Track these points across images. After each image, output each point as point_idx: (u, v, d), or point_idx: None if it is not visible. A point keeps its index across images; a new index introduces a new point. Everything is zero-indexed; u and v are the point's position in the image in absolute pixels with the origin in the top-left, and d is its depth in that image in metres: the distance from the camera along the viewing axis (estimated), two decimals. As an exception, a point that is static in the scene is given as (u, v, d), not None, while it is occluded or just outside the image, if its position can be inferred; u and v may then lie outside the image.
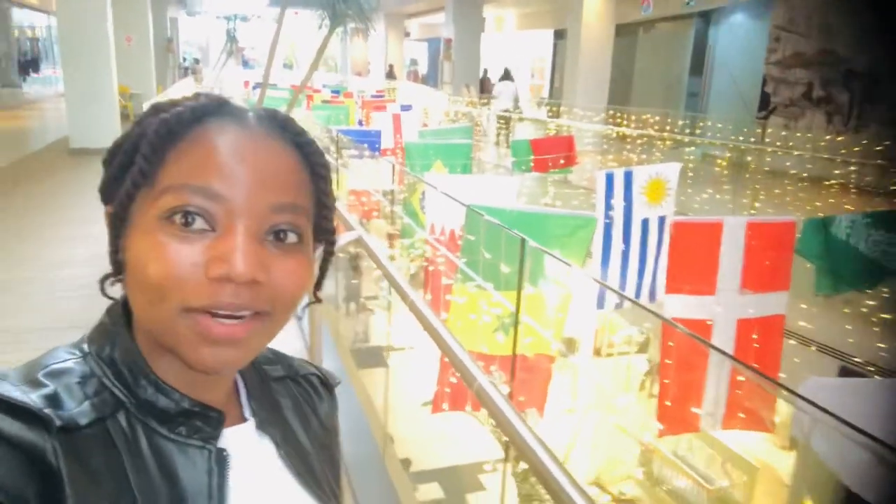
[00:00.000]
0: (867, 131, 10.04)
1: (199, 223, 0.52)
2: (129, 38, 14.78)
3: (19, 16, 23.67)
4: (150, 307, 0.53)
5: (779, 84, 11.89)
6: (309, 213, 0.59)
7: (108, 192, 0.58)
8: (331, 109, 11.64)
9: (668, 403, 3.59)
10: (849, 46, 10.52)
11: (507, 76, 15.54)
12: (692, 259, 3.97)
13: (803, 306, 4.08)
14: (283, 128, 0.58)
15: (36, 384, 0.52)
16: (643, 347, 8.04)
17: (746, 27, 13.39)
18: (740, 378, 3.81)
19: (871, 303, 4.06)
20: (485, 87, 18.24)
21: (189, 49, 32.13)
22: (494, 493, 5.14)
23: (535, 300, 3.33)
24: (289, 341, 3.58)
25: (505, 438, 4.28)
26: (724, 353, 3.46)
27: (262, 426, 0.64)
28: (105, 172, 0.59)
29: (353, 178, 6.07)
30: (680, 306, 3.88)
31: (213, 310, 0.52)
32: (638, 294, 4.14)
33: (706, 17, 14.43)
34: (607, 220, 4.63)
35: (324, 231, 0.62)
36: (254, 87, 16.58)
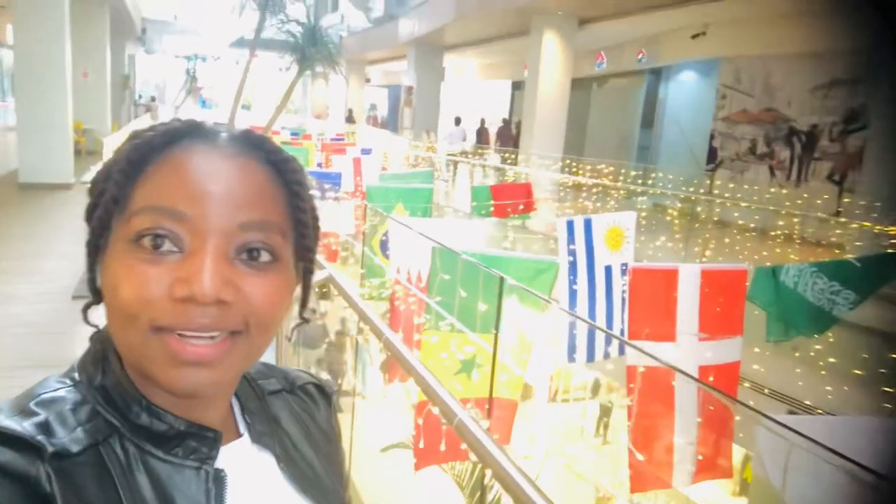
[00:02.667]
0: (807, 185, 10.59)
1: (167, 245, 0.52)
2: (85, 74, 14.58)
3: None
4: (122, 330, 0.53)
5: (726, 139, 12.47)
6: (285, 231, 0.58)
7: (89, 219, 0.58)
8: (290, 151, 11.67)
9: (638, 457, 3.61)
10: (790, 105, 11.16)
11: (457, 122, 17.78)
12: (652, 305, 4.06)
13: (756, 350, 4.21)
14: (256, 146, 0.58)
15: (27, 413, 0.51)
16: (595, 392, 8.13)
17: (695, 84, 14.04)
18: (705, 426, 3.87)
19: (818, 347, 4.22)
20: (483, 137, 17.76)
21: (146, 87, 31.87)
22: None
23: (506, 343, 3.36)
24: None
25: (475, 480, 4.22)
26: (708, 386, 3.51)
27: (259, 440, 0.63)
28: (89, 202, 0.59)
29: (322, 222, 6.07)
30: (642, 355, 3.94)
31: (182, 331, 0.52)
32: (607, 342, 4.17)
33: (657, 74, 15.09)
34: (570, 266, 4.71)
35: (304, 249, 0.61)
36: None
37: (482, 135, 17.93)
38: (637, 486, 3.88)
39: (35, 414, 0.51)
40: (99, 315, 0.59)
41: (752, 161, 11.95)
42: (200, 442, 0.57)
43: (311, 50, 5.70)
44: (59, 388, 0.55)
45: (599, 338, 4.25)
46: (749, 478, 6.33)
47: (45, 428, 0.51)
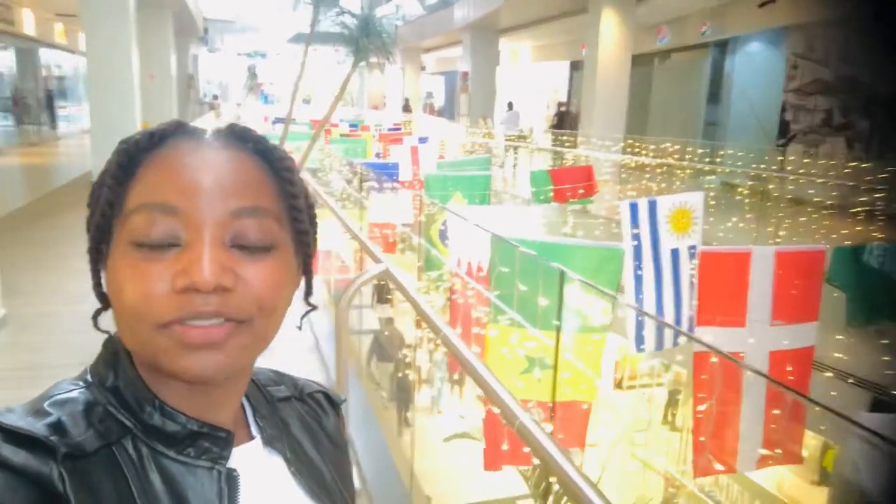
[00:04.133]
0: (890, 157, 9.93)
1: (165, 241, 0.53)
2: (151, 75, 15.10)
3: (46, 55, 24.34)
4: (130, 331, 0.54)
5: (798, 111, 11.85)
6: (280, 217, 0.58)
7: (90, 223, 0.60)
8: (349, 143, 11.76)
9: (703, 440, 3.47)
10: (869, 73, 10.48)
11: (510, 107, 17.59)
12: (721, 290, 3.89)
13: (839, 337, 3.98)
14: (241, 138, 0.59)
15: (41, 414, 0.52)
16: (662, 378, 7.91)
17: (764, 55, 13.39)
18: (774, 412, 3.71)
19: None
20: (563, 121, 16.25)
21: (209, 85, 32.80)
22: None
23: (574, 340, 3.26)
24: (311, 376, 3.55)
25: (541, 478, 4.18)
26: (776, 382, 3.34)
27: (270, 443, 0.64)
28: (89, 211, 0.60)
29: (374, 211, 6.09)
30: (711, 339, 3.79)
31: (185, 321, 0.52)
32: (677, 331, 4.03)
33: (723, 47, 14.47)
34: (634, 251, 4.56)
35: (300, 233, 0.62)
36: (273, 122, 16.84)
37: (565, 118, 16.51)
38: (700, 471, 3.75)
39: (48, 414, 0.52)
40: (108, 321, 0.59)
41: (827, 133, 11.31)
42: (213, 442, 0.57)
43: (364, 40, 5.69)
44: (72, 390, 0.56)
45: (670, 320, 4.11)
46: (829, 466, 6.05)
47: (58, 428, 0.51)
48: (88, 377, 0.58)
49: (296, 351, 3.74)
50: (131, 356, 0.58)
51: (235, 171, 0.56)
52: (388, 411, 5.96)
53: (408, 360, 6.46)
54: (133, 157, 0.56)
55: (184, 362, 0.53)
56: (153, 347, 0.53)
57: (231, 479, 0.57)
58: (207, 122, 15.15)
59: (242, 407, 0.66)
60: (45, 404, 0.53)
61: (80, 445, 0.51)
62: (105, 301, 0.58)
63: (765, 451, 3.74)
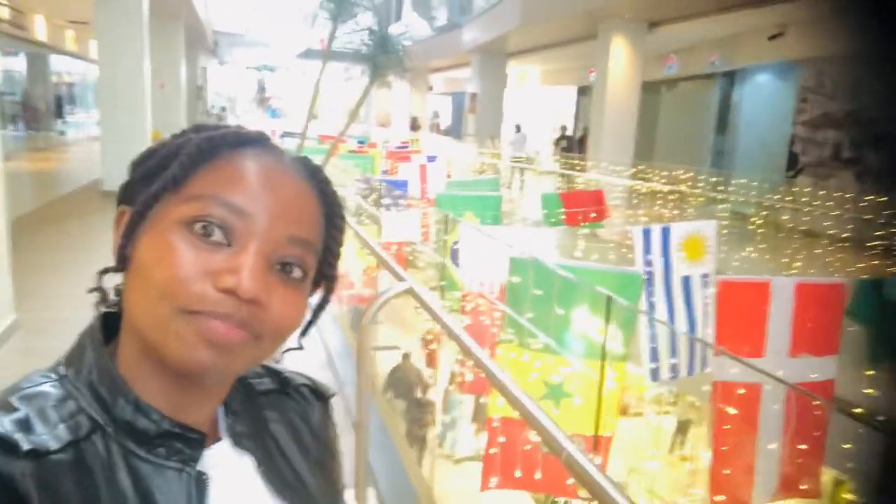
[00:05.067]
0: (900, 192, 9.92)
1: (217, 235, 0.54)
2: (162, 85, 15.17)
3: (56, 62, 24.48)
4: (147, 305, 0.53)
5: (807, 144, 11.88)
6: (318, 255, 0.60)
7: (129, 193, 0.60)
8: (357, 159, 11.77)
9: (724, 472, 3.41)
10: (878, 108, 10.53)
11: (517, 129, 18.04)
12: (740, 320, 3.84)
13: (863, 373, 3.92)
14: (311, 173, 0.61)
15: (7, 408, 0.51)
16: (669, 405, 7.81)
17: (772, 87, 13.46)
18: (794, 444, 3.64)
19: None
20: (570, 146, 16.29)
21: (217, 97, 32.98)
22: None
23: (590, 369, 3.19)
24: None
25: None
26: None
27: (239, 443, 0.63)
28: (131, 174, 0.60)
29: (388, 229, 6.06)
30: (728, 370, 3.73)
31: (215, 318, 0.52)
32: (691, 356, 3.98)
33: (731, 77, 14.55)
34: (647, 277, 4.52)
35: (326, 277, 0.64)
36: (282, 136, 16.88)
37: (581, 143, 16.17)
38: (718, 502, 3.67)
39: (15, 410, 0.51)
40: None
41: (836, 167, 11.32)
42: (185, 443, 0.57)
43: (382, 58, 5.71)
44: (42, 383, 0.55)
45: (683, 352, 4.04)
46: (842, 502, 5.94)
47: (24, 424, 0.50)
48: (61, 369, 0.57)
49: (308, 367, 3.69)
50: (108, 348, 0.58)
51: (302, 200, 0.58)
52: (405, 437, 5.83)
53: (423, 401, 6.24)
54: (215, 146, 0.57)
55: (197, 354, 0.52)
56: (167, 330, 0.52)
57: (200, 482, 0.56)
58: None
59: None
60: (13, 398, 0.52)
61: (46, 443, 0.50)
62: (123, 264, 0.58)
63: (780, 485, 3.68)
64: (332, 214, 0.62)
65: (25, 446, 0.48)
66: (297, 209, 0.57)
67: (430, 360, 7.31)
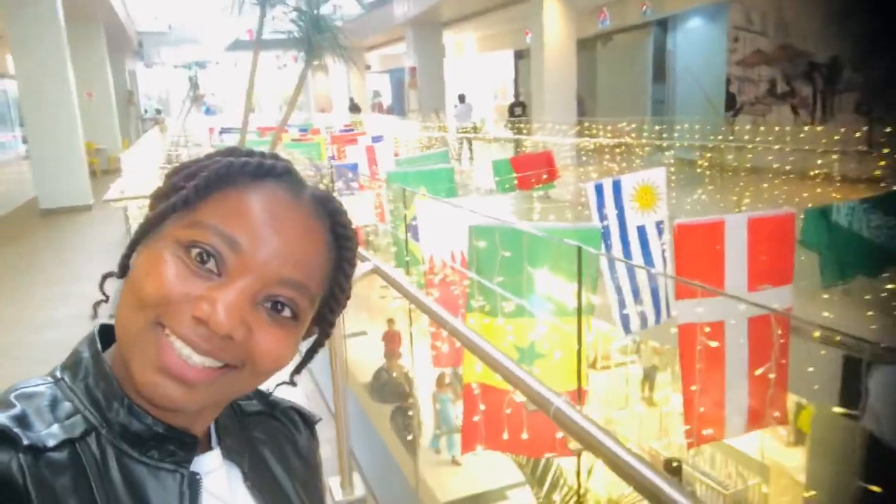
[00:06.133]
0: (834, 121, 10.24)
1: (210, 264, 0.54)
2: (90, 94, 14.58)
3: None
4: (127, 313, 0.54)
5: (743, 83, 12.13)
6: (315, 299, 0.59)
7: (154, 202, 0.60)
8: (302, 147, 11.56)
9: (694, 411, 3.50)
10: (807, 40, 10.80)
11: (461, 100, 17.42)
12: (698, 261, 3.93)
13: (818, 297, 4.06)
14: (330, 214, 0.60)
15: (5, 405, 0.52)
16: (635, 355, 8.00)
17: (705, 30, 13.67)
18: (757, 375, 3.77)
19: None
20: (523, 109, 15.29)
21: (149, 100, 31.90)
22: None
23: (556, 326, 3.22)
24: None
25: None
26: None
27: (229, 456, 0.63)
28: (166, 183, 0.61)
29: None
30: (692, 311, 3.82)
31: (184, 343, 0.52)
32: (657, 305, 4.05)
33: (663, 25, 14.71)
34: (603, 232, 4.58)
35: (324, 321, 0.63)
36: (220, 133, 16.45)
37: (523, 107, 15.66)
38: (692, 443, 3.79)
39: (12, 406, 0.52)
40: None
41: (773, 102, 11.60)
42: (178, 446, 0.57)
43: (317, 37, 5.58)
44: (39, 384, 0.56)
45: (648, 303, 4.12)
46: (805, 427, 6.20)
47: (21, 421, 0.51)
48: (57, 373, 0.58)
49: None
50: (104, 358, 0.58)
51: (307, 243, 0.57)
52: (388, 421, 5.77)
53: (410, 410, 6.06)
54: (233, 175, 0.57)
55: (151, 380, 0.53)
56: (138, 339, 0.53)
57: (193, 482, 0.57)
58: (153, 139, 14.71)
59: None
60: (11, 395, 0.53)
61: (43, 440, 0.50)
62: (123, 271, 0.59)
63: (749, 417, 3.81)
64: (342, 259, 0.61)
65: (24, 441, 0.49)
66: (299, 251, 0.56)
67: (391, 342, 7.27)
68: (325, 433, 2.65)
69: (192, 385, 0.53)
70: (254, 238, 0.54)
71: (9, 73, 17.72)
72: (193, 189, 0.56)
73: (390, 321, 7.30)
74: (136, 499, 0.53)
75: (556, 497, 4.04)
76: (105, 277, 0.61)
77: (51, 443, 0.51)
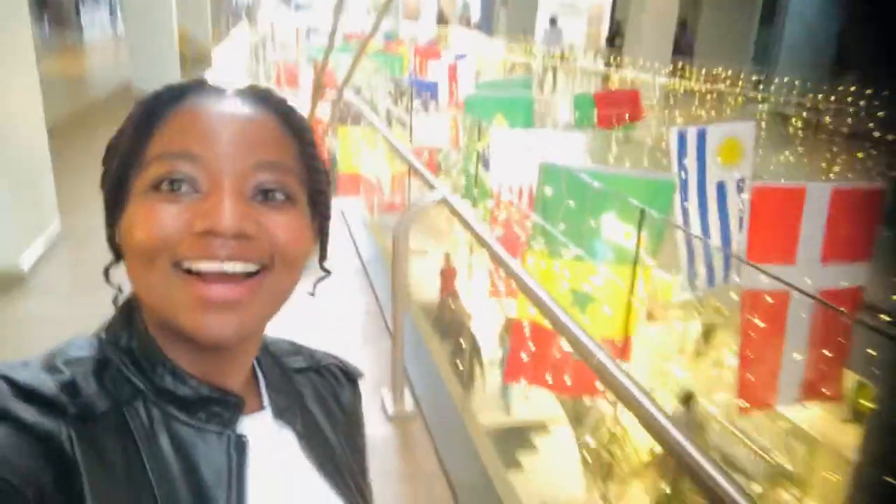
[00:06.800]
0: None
1: (184, 188, 0.53)
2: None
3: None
4: (144, 273, 0.54)
5: (857, 38, 11.20)
6: (298, 176, 0.58)
7: (105, 181, 0.60)
8: (385, 58, 11.45)
9: (749, 377, 3.51)
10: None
11: (552, 23, 16.83)
12: (773, 226, 3.82)
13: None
14: (263, 99, 0.59)
15: (54, 371, 0.52)
16: (696, 312, 7.87)
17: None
18: (818, 350, 3.72)
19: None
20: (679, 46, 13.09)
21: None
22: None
23: (616, 274, 3.24)
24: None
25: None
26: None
27: (281, 415, 0.63)
28: (104, 167, 0.60)
29: (418, 134, 6.00)
30: (758, 278, 3.75)
31: (205, 264, 0.52)
32: (727, 263, 3.99)
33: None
34: (681, 183, 4.47)
35: (318, 193, 0.62)
36: (307, 33, 16.43)
37: (678, 44, 13.11)
38: (745, 408, 3.81)
39: (61, 372, 0.52)
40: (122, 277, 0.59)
41: (889, 65, 10.69)
42: (223, 407, 0.57)
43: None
44: (85, 349, 0.56)
45: (718, 261, 4.06)
46: (863, 407, 6.07)
47: (70, 387, 0.51)
48: (103, 335, 0.58)
49: (342, 274, 3.80)
50: (145, 318, 0.58)
51: (257, 126, 0.57)
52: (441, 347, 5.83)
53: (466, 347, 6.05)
54: (155, 109, 0.56)
55: (200, 322, 0.53)
56: (168, 294, 0.53)
57: (240, 444, 0.56)
58: (242, 35, 14.79)
59: (255, 377, 0.65)
60: (59, 361, 0.53)
61: (91, 406, 0.51)
62: (118, 254, 0.59)
63: (804, 388, 3.78)
64: (298, 130, 0.60)
65: (72, 409, 0.50)
66: (253, 136, 0.56)
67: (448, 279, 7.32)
68: (382, 350, 2.79)
69: (240, 302, 0.53)
70: (207, 142, 0.54)
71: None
72: (128, 140, 0.56)
73: (447, 256, 7.35)
74: (184, 462, 0.54)
75: (591, 439, 4.17)
76: (107, 270, 0.61)
77: (99, 409, 0.51)
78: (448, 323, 6.32)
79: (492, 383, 5.85)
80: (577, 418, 4.13)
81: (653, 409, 1.22)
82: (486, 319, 6.07)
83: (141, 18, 10.38)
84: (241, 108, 0.57)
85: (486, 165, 5.00)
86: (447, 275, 7.36)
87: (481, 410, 5.26)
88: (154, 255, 0.52)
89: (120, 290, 0.61)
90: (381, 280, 3.65)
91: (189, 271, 0.52)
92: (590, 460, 4.22)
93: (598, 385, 2.97)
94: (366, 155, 6.14)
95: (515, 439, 5.14)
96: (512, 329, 3.50)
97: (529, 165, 3.92)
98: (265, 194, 0.55)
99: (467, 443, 2.39)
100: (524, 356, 3.29)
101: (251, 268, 0.54)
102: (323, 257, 0.67)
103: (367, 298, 3.54)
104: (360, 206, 6.00)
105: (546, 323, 3.45)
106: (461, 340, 5.40)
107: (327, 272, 0.68)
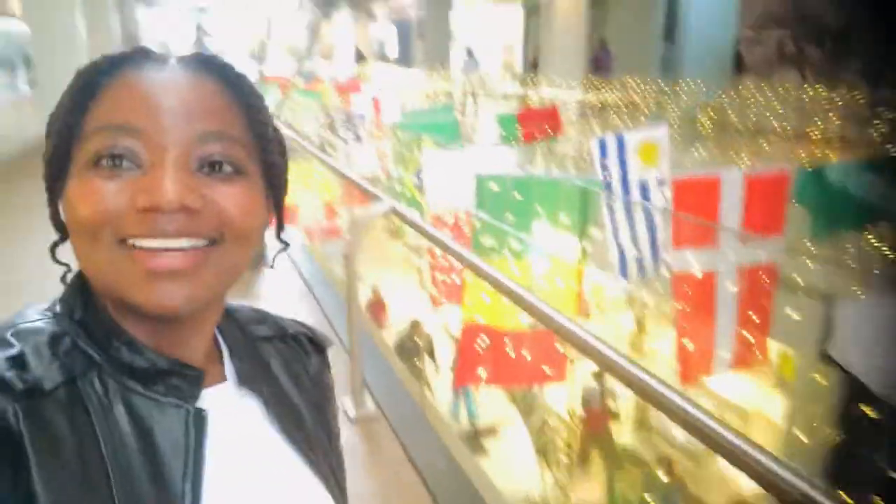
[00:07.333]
0: (841, 86, 10.23)
1: (125, 164, 0.51)
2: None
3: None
4: (89, 250, 0.52)
5: (752, 44, 12.07)
6: (247, 146, 0.56)
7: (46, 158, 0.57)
8: (310, 95, 11.59)
9: (688, 347, 3.73)
10: (818, 4, 10.71)
11: (469, 54, 17.64)
12: (693, 214, 4.10)
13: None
14: (207, 65, 0.56)
15: (3, 344, 0.50)
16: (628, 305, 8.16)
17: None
18: (743, 319, 3.98)
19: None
20: (600, 63, 13.46)
21: (151, 45, 31.33)
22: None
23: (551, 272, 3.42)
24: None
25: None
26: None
27: (247, 384, 0.62)
28: (46, 140, 0.57)
29: (351, 162, 6.12)
30: (686, 260, 4.02)
31: (149, 241, 0.50)
32: (654, 254, 4.23)
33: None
34: (605, 185, 4.72)
35: (270, 165, 0.59)
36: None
37: (598, 62, 13.69)
38: (685, 379, 4.02)
39: (10, 346, 0.50)
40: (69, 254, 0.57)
41: (780, 65, 11.56)
42: (182, 380, 0.55)
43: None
44: (38, 320, 0.54)
45: (647, 252, 4.31)
46: (788, 374, 6.44)
47: (18, 362, 0.49)
48: (57, 307, 0.56)
49: (288, 297, 3.83)
50: (97, 297, 0.56)
51: (202, 95, 0.54)
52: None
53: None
54: (92, 80, 0.54)
55: (146, 291, 0.51)
56: (112, 269, 0.51)
57: (199, 418, 0.54)
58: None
59: (217, 347, 0.63)
60: (8, 333, 0.51)
61: (40, 381, 0.49)
62: (63, 231, 0.56)
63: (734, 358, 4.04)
64: (246, 96, 0.57)
65: (19, 385, 0.47)
66: (196, 105, 0.53)
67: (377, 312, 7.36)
68: (337, 362, 2.85)
69: (186, 273, 0.51)
70: (147, 113, 0.51)
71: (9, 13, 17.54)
72: (67, 113, 0.54)
73: (375, 289, 7.44)
74: (141, 434, 0.52)
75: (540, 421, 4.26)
76: (53, 247, 0.59)
77: (49, 385, 0.49)
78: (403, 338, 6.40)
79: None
80: (528, 409, 4.27)
81: (633, 369, 1.28)
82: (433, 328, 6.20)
83: (52, 79, 10.15)
84: (184, 77, 0.54)
85: (421, 189, 5.15)
86: (376, 308, 7.43)
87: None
88: (97, 232, 0.50)
89: (69, 268, 0.58)
90: (329, 299, 3.72)
91: (134, 247, 0.50)
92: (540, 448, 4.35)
93: (546, 370, 3.12)
94: (300, 187, 6.23)
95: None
96: (462, 333, 3.61)
97: (464, 183, 4.09)
98: (212, 167, 0.53)
99: (431, 433, 2.46)
100: (475, 358, 3.41)
101: (199, 243, 0.52)
102: (280, 228, 0.66)
103: (317, 318, 3.59)
104: (299, 235, 6.08)
105: (496, 318, 3.61)
106: (416, 339, 5.49)
107: (286, 244, 0.66)
